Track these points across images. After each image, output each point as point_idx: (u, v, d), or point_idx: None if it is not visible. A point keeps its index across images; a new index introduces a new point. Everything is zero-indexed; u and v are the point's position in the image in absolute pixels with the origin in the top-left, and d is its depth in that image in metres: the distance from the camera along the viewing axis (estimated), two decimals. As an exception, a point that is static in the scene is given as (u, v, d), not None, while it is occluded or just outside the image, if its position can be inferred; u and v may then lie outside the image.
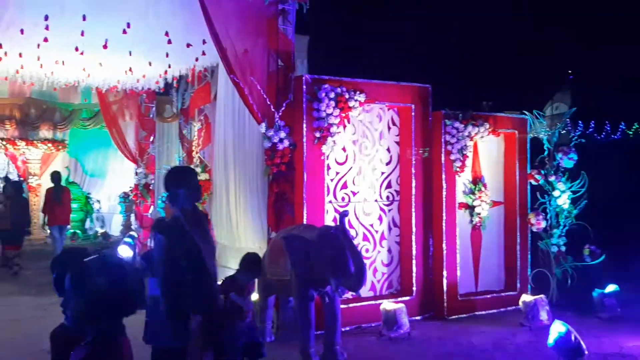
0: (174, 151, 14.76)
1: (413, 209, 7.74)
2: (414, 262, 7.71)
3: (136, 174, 11.78)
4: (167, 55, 8.01)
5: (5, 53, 7.79)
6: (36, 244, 14.33)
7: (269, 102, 6.94)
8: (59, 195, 11.49)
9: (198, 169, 9.24)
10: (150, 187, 11.63)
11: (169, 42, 7.41)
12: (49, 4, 6.23)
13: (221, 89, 8.61)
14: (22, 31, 6.84)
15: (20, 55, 7.92)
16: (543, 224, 8.38)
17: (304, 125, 6.98)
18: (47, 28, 6.69)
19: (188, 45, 7.59)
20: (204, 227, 4.32)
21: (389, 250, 7.90)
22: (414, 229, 7.74)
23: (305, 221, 6.89)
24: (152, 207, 11.95)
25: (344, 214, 5.82)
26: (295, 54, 7.42)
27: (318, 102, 6.99)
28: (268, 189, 7.19)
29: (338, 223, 5.85)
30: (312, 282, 5.75)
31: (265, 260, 6.13)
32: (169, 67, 8.95)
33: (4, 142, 15.21)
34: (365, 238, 7.70)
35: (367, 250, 7.63)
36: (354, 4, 16.30)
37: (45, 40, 7.07)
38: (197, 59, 8.31)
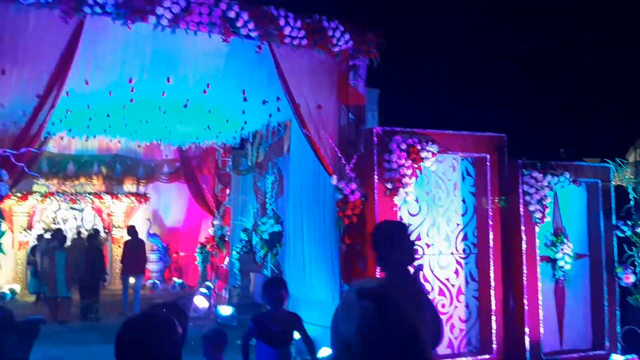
0: (248, 203, 15.16)
1: (491, 262, 7.48)
2: (493, 318, 7.38)
3: (212, 225, 12.11)
4: (243, 112, 8.32)
5: (95, 114, 8.38)
6: (118, 293, 14.86)
7: (340, 155, 7.03)
8: (135, 246, 12.34)
9: (271, 221, 9.40)
10: (226, 239, 11.88)
11: (245, 99, 7.70)
12: (135, 67, 6.68)
13: (294, 143, 8.81)
14: (110, 93, 7.36)
15: (108, 115, 8.49)
16: (632, 278, 7.84)
17: (375, 177, 6.99)
18: (132, 90, 7.16)
19: (264, 102, 7.87)
20: (419, 299, 3.49)
21: (467, 306, 7.61)
22: (492, 283, 7.45)
23: (377, 275, 6.79)
24: (227, 258, 12.19)
25: (418, 268, 5.68)
26: (366, 106, 7.53)
27: (389, 154, 7.00)
28: (340, 241, 7.19)
29: (414, 277, 5.72)
30: (387, 340, 5.59)
31: (337, 314, 6.05)
32: (245, 123, 9.29)
33: (91, 196, 16.11)
34: (441, 292, 7.48)
35: (443, 306, 7.39)
36: (423, 55, 16.46)
37: (131, 101, 7.57)
38: (270, 115, 8.57)
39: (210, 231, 13.12)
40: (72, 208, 18.23)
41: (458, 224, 7.69)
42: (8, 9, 5.56)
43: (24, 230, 15.15)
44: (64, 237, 12.76)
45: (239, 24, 6.38)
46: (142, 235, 16.30)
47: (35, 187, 15.21)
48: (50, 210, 17.38)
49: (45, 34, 5.72)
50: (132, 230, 12.98)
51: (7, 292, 13.63)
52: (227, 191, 12.23)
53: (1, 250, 5.84)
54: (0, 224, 5.60)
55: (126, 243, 12.94)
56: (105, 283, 14.14)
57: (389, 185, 7.01)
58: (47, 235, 14.28)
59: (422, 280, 5.89)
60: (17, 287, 14.14)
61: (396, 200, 7.06)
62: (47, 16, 5.69)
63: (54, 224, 18.73)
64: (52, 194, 15.42)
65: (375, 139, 7.00)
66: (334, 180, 6.96)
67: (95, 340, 9.45)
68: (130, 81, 6.89)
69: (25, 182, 11.71)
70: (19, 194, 14.67)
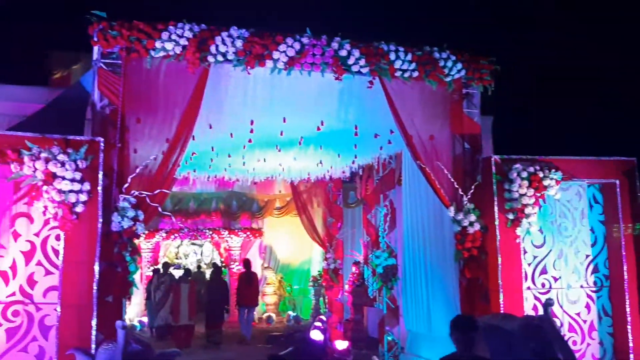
0: (359, 236, 15.16)
1: (627, 296, 6.93)
2: (631, 356, 6.79)
3: (325, 259, 12.22)
4: (355, 146, 8.42)
5: (217, 155, 8.85)
6: (237, 326, 15.32)
7: (456, 186, 6.89)
8: (249, 279, 13.28)
9: (385, 254, 9.33)
10: (339, 272, 11.93)
11: (357, 134, 7.80)
12: (255, 109, 7.01)
13: (406, 174, 8.76)
14: (231, 135, 7.76)
15: (229, 156, 8.94)
16: None
17: (495, 207, 6.76)
18: (252, 131, 7.50)
19: (375, 136, 7.92)
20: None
21: (601, 343, 7.09)
22: (629, 318, 6.89)
23: (502, 310, 6.52)
24: (340, 291, 12.22)
25: (548, 303, 5.39)
26: (481, 135, 7.35)
27: (509, 183, 6.77)
28: (459, 275, 6.98)
29: (542, 312, 5.42)
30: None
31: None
32: (356, 157, 9.37)
33: (210, 232, 16.92)
34: (571, 329, 7.02)
35: (574, 343, 6.94)
36: (536, 80, 15.85)
37: (250, 141, 7.92)
38: (381, 148, 8.60)
39: (323, 264, 13.24)
40: (192, 243, 19.25)
41: (587, 255, 7.24)
42: (142, 62, 6.08)
43: (151, 265, 16.16)
44: (189, 271, 14.10)
45: (351, 61, 6.53)
46: (256, 268, 16.86)
47: (161, 225, 16.23)
48: (173, 246, 18.45)
49: (174, 84, 6.17)
50: (246, 263, 13.85)
51: (137, 324, 14.52)
52: (339, 224, 12.31)
53: (135, 285, 6.24)
54: (135, 261, 5.98)
55: (240, 276, 13.76)
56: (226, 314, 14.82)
57: (511, 216, 6.74)
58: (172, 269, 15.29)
59: (551, 316, 5.59)
60: (146, 320, 15.03)
61: (518, 231, 6.78)
62: (175, 67, 6.15)
63: (177, 259, 19.86)
64: (175, 230, 16.37)
65: (494, 167, 6.80)
66: (451, 212, 6.81)
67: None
68: (251, 123, 7.23)
69: (153, 220, 12.63)
70: (146, 232, 15.73)
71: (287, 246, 18.10)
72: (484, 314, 6.36)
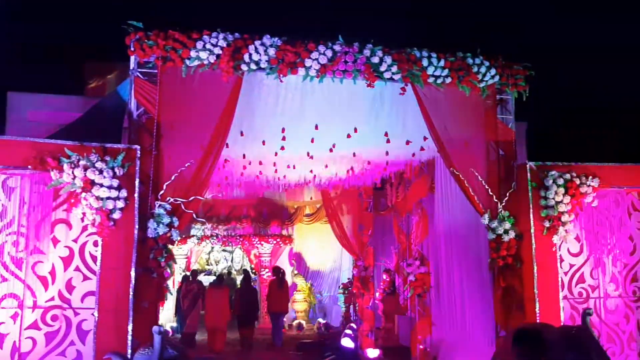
0: (390, 244, 15.07)
1: (668, 306, 6.71)
2: (674, 369, 6.58)
3: (357, 266, 12.17)
4: (386, 153, 8.38)
5: (250, 162, 8.92)
6: (268, 332, 15.36)
7: (491, 193, 6.81)
8: (279, 286, 13.47)
9: (417, 262, 9.25)
10: (370, 280, 11.87)
11: (388, 141, 7.77)
12: (287, 116, 7.05)
13: (438, 182, 8.68)
14: (263, 142, 7.81)
15: (260, 162, 9.00)
16: None
17: (531, 215, 6.66)
18: (283, 138, 7.54)
19: (407, 142, 7.88)
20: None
21: (641, 355, 6.87)
22: (671, 330, 6.66)
23: (537, 319, 6.40)
24: (371, 299, 12.15)
25: (587, 312, 5.28)
26: (515, 141, 7.25)
27: (545, 190, 6.66)
28: (494, 283, 6.88)
29: (580, 322, 5.31)
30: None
31: (496, 360, 5.76)
32: (387, 164, 9.33)
33: (241, 238, 17.01)
34: (609, 339, 6.84)
35: (613, 354, 6.74)
36: (568, 83, 15.56)
37: (282, 148, 7.97)
38: (414, 155, 8.54)
39: (353, 271, 13.20)
40: (223, 250, 19.40)
41: (626, 264, 7.05)
42: (177, 71, 6.17)
43: (183, 271, 16.34)
44: (221, 277, 14.29)
45: (383, 68, 6.52)
46: (286, 275, 16.90)
47: (192, 231, 16.40)
48: (204, 253, 18.61)
49: (208, 92, 6.25)
50: (276, 270, 14.06)
51: (169, 329, 14.68)
52: (369, 231, 12.26)
53: (170, 292, 6.32)
54: (170, 267, 6.05)
55: (271, 282, 13.99)
56: (256, 321, 15.01)
57: (547, 224, 6.63)
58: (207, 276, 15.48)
59: (590, 326, 5.46)
60: (175, 325, 15.18)
61: (555, 239, 6.66)
62: (209, 76, 6.23)
63: (208, 265, 20.03)
64: (207, 237, 16.52)
65: (529, 174, 6.70)
66: (485, 219, 6.73)
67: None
68: (282, 130, 7.27)
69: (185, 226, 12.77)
70: (179, 238, 15.90)
71: (317, 253, 18.10)
72: (520, 324, 6.26)
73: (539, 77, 7.19)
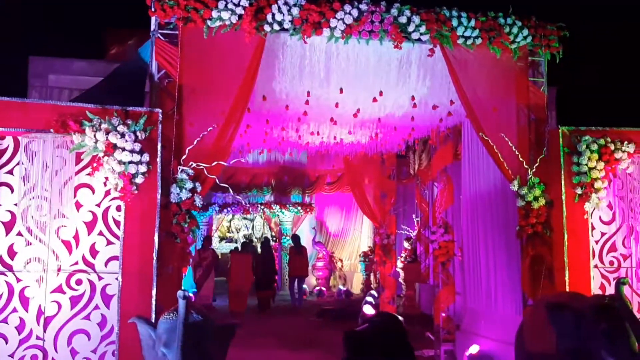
0: (412, 212, 14.94)
1: None
2: None
3: (379, 234, 12.07)
4: (412, 118, 8.17)
5: (272, 128, 8.79)
6: (287, 297, 15.46)
7: (521, 159, 6.59)
8: (298, 253, 14.50)
9: (441, 230, 9.11)
10: (392, 248, 11.78)
11: (414, 105, 7.56)
12: (311, 80, 6.86)
13: (465, 148, 8.47)
14: (286, 107, 7.65)
15: (283, 129, 8.85)
16: None
17: (562, 182, 6.45)
18: (307, 102, 7.36)
19: (434, 107, 7.66)
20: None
21: (674, 325, 6.67)
22: None
23: (567, 288, 6.25)
24: (392, 267, 12.07)
25: (621, 281, 5.10)
26: (547, 105, 7.00)
27: (578, 156, 6.44)
28: (522, 252, 6.72)
29: (615, 291, 5.14)
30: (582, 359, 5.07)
31: (523, 331, 5.64)
32: (413, 130, 9.12)
33: (262, 206, 17.01)
34: (641, 309, 6.66)
35: (646, 324, 6.55)
36: (605, 46, 14.98)
37: (305, 113, 7.80)
38: (441, 120, 8.32)
39: (376, 240, 13.11)
40: (244, 218, 19.45)
41: (660, 233, 6.81)
42: (198, 33, 6.00)
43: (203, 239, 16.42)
44: (244, 244, 15.70)
45: (411, 28, 6.27)
46: (308, 243, 16.95)
47: (214, 199, 16.42)
48: (225, 220, 18.68)
49: (230, 54, 6.08)
50: (295, 238, 15.07)
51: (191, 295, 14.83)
52: (392, 199, 12.10)
53: (193, 258, 6.26)
54: (194, 232, 6.00)
55: (291, 249, 14.83)
56: (277, 286, 15.49)
57: (578, 191, 6.42)
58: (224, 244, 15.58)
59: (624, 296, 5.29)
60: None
61: (586, 206, 6.46)
62: (231, 37, 6.04)
63: (229, 232, 20.13)
64: (227, 204, 16.54)
65: (561, 139, 6.46)
66: (514, 186, 6.53)
67: (272, 345, 9.87)
68: (307, 94, 7.09)
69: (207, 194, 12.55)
70: (202, 204, 15.96)
71: (338, 221, 18.06)
72: (549, 293, 6.12)
73: (573, 37, 6.89)
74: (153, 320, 5.15)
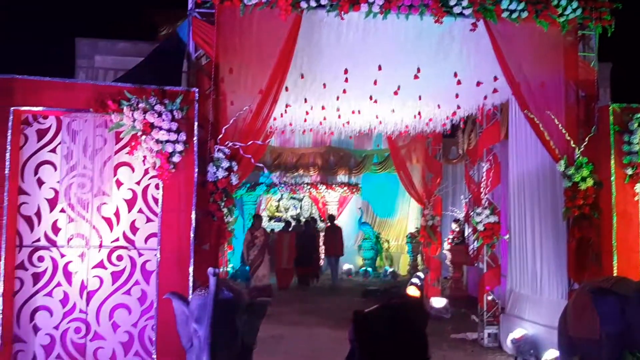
0: (460, 193, 14.64)
1: None
2: None
3: (423, 215, 11.90)
4: (456, 96, 7.95)
5: (312, 107, 8.73)
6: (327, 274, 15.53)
7: (568, 137, 6.29)
8: (334, 232, 15.03)
9: (487, 211, 8.87)
10: (438, 229, 11.59)
11: (458, 82, 7.33)
12: (349, 57, 6.75)
13: (512, 127, 8.19)
14: (324, 85, 7.57)
15: (323, 108, 8.78)
16: None
17: (612, 161, 6.13)
18: (346, 80, 7.26)
19: (478, 84, 7.41)
20: None
21: None
22: None
23: (615, 273, 5.97)
24: (438, 249, 11.90)
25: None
26: (597, 82, 6.65)
27: (629, 134, 6.09)
28: (568, 234, 6.46)
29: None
30: (628, 346, 4.84)
31: (567, 316, 5.43)
32: (458, 108, 8.88)
33: (309, 187, 17.07)
34: (695, 296, 6.28)
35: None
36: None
37: (344, 92, 7.70)
38: (485, 97, 8.05)
39: (421, 221, 12.94)
40: (292, 198, 19.58)
41: None
42: (235, 11, 5.98)
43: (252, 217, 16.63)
44: (289, 223, 15.52)
45: (452, 2, 6.03)
46: (354, 223, 16.98)
47: (261, 179, 16.60)
48: (274, 200, 18.85)
49: (266, 32, 6.04)
50: (330, 218, 15.69)
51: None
52: (438, 180, 11.88)
53: (235, 236, 6.34)
54: (231, 211, 6.04)
55: (327, 229, 15.33)
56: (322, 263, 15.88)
57: (629, 171, 6.09)
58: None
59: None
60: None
61: (638, 187, 6.13)
62: (267, 15, 6.00)
63: (277, 212, 20.34)
64: (275, 184, 16.68)
65: (612, 117, 6.13)
66: (561, 166, 6.26)
67: (315, 323, 9.95)
68: (345, 72, 6.98)
69: (254, 173, 12.41)
70: (248, 185, 16.18)
71: (384, 201, 17.93)
72: (595, 277, 5.86)
73: (628, 9, 6.49)
74: (190, 297, 5.23)
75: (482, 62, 6.83)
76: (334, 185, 17.10)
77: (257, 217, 13.42)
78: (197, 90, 5.79)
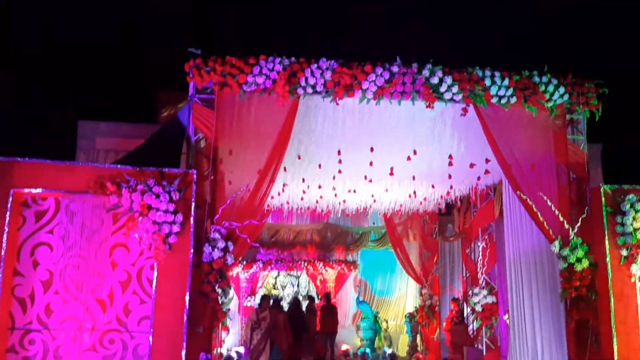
0: (457, 272, 14.53)
1: None
2: None
3: (421, 294, 11.77)
4: (449, 177, 8.09)
5: (308, 186, 8.85)
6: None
7: (561, 219, 6.37)
8: (329, 310, 14.20)
9: (484, 291, 8.81)
10: (436, 309, 11.43)
11: (450, 164, 7.49)
12: (344, 140, 6.94)
13: (507, 206, 8.26)
14: (319, 166, 7.72)
15: (319, 187, 8.91)
16: None
17: (606, 243, 6.18)
18: (339, 162, 7.42)
19: (471, 165, 7.57)
20: None
21: None
22: None
23: (615, 356, 5.87)
24: (437, 329, 11.68)
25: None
26: (588, 164, 6.80)
27: (622, 216, 6.17)
28: (566, 316, 6.40)
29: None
30: None
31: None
32: (451, 188, 9.01)
33: (306, 264, 16.92)
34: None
35: None
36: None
37: (340, 172, 7.84)
38: (479, 178, 8.20)
39: (419, 300, 12.77)
40: (289, 275, 19.38)
41: None
42: (234, 96, 6.21)
43: (249, 296, 16.39)
44: (278, 301, 14.28)
45: (443, 88, 6.30)
46: (352, 301, 16.70)
47: (258, 256, 16.47)
48: (271, 277, 18.64)
49: (264, 116, 6.24)
50: (326, 296, 14.85)
51: (234, 354, 14.69)
52: (435, 259, 11.85)
53: (229, 317, 6.26)
54: (225, 292, 6.00)
55: (322, 307, 14.43)
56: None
57: (624, 252, 6.13)
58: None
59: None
60: (242, 350, 15.17)
61: (633, 269, 6.13)
62: (266, 100, 6.23)
63: (274, 289, 20.06)
64: (271, 261, 16.54)
65: (604, 198, 6.23)
66: (555, 247, 6.29)
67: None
68: (338, 153, 7.16)
69: (250, 250, 11.97)
70: (244, 262, 16.04)
71: (383, 279, 17.72)
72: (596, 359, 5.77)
73: (615, 93, 6.74)
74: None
75: (474, 145, 7.01)
76: (332, 262, 16.96)
77: (264, 298, 12.23)
78: (195, 171, 5.92)
